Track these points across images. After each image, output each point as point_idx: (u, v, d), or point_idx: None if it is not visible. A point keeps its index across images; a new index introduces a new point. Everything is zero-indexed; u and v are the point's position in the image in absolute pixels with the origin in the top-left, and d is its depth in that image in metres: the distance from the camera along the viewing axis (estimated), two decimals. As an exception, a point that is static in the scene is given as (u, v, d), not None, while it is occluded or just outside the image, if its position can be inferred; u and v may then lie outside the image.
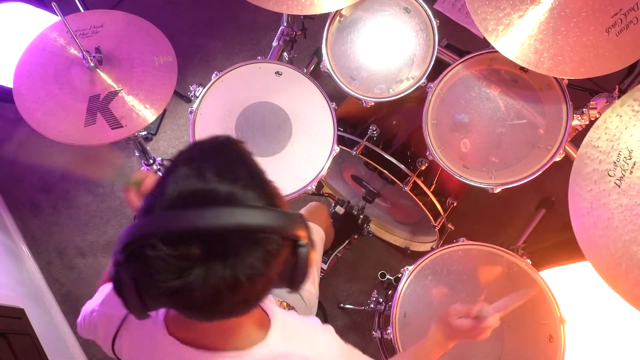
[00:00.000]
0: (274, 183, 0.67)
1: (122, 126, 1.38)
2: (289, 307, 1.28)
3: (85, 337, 0.96)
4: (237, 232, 0.58)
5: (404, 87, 1.50)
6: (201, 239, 0.57)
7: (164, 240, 0.57)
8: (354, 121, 1.69)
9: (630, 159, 1.10)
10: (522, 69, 1.43)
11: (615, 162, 1.11)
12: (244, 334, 0.75)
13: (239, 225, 0.58)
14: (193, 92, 1.49)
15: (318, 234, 1.52)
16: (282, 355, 0.78)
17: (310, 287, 1.38)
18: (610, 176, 1.11)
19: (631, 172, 1.09)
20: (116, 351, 0.85)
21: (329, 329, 0.89)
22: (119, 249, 0.60)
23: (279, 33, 1.77)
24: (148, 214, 0.60)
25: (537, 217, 2.09)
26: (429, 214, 1.60)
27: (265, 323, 0.79)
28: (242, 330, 0.75)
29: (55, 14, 1.28)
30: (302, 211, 1.57)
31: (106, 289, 0.90)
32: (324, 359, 0.82)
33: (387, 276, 1.88)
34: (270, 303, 0.86)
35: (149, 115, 1.40)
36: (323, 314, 1.96)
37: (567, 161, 1.42)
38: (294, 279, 0.68)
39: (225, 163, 0.63)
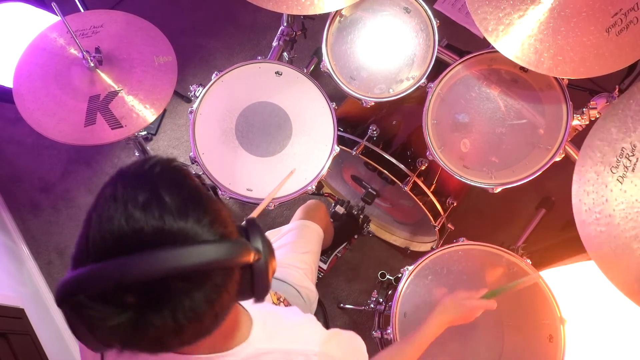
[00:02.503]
0: (214, 201, 0.62)
1: (122, 126, 1.38)
2: (286, 303, 1.28)
3: None
4: (171, 276, 0.54)
5: (404, 87, 1.50)
6: (131, 289, 0.54)
7: (92, 296, 0.54)
8: (354, 121, 1.69)
9: (633, 155, 1.10)
10: (522, 69, 1.43)
11: (618, 159, 1.11)
12: (225, 336, 0.75)
13: (171, 270, 0.53)
14: (193, 92, 1.49)
15: (316, 232, 1.52)
16: (266, 352, 0.78)
17: (309, 284, 1.38)
18: (613, 172, 1.11)
19: (633, 169, 1.09)
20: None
21: (310, 317, 0.91)
22: (56, 301, 0.57)
23: (279, 33, 1.77)
24: (76, 265, 0.56)
25: (537, 217, 2.09)
26: (429, 214, 1.59)
27: (247, 322, 0.79)
28: (223, 333, 0.74)
29: (55, 14, 1.28)
30: (300, 209, 1.57)
31: None
32: (307, 349, 0.82)
33: (387, 276, 1.88)
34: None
35: (149, 115, 1.40)
36: (323, 314, 1.96)
37: (568, 161, 1.43)
38: (255, 293, 0.65)
39: (151, 193, 0.56)
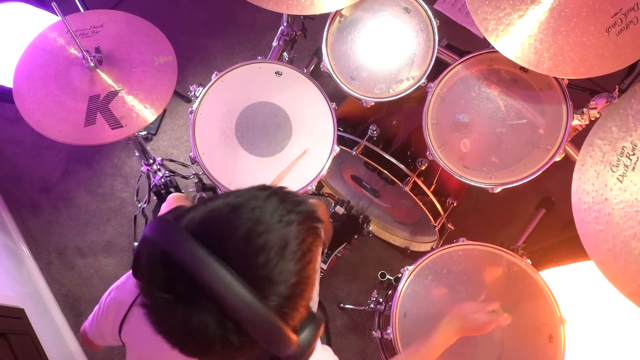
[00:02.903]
0: (313, 286, 0.61)
1: (122, 126, 1.38)
2: None
3: (92, 337, 0.97)
4: (215, 298, 0.54)
5: (404, 87, 1.50)
6: (187, 280, 0.55)
7: (163, 256, 0.56)
8: (354, 121, 1.69)
9: (634, 154, 1.10)
10: (522, 69, 1.43)
11: (618, 158, 1.11)
12: None
13: (219, 296, 0.54)
14: (193, 92, 1.49)
15: None
16: None
17: None
18: (613, 171, 1.11)
19: (634, 168, 1.09)
20: (123, 336, 0.87)
21: (327, 350, 0.89)
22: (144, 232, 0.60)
23: (279, 33, 1.77)
24: (177, 218, 0.59)
25: (537, 217, 2.10)
26: (429, 214, 1.59)
27: None
28: None
29: (55, 14, 1.28)
30: None
31: (126, 275, 0.92)
32: None
33: (387, 276, 1.88)
34: None
35: (149, 115, 1.40)
36: (322, 310, 1.96)
37: (567, 161, 1.43)
38: None
39: (283, 228, 0.57)
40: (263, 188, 0.62)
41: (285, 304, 0.58)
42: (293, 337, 0.60)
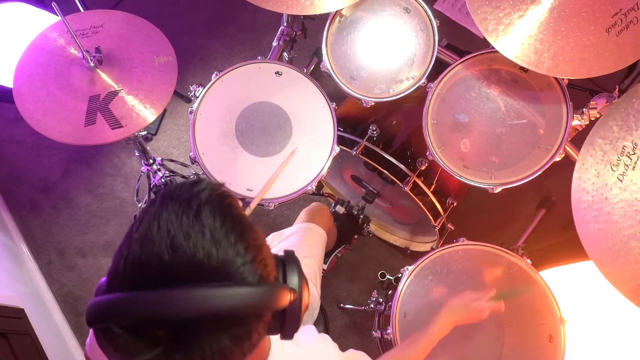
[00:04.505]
0: (256, 233, 0.60)
1: (122, 126, 1.38)
2: None
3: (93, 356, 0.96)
4: (203, 318, 0.53)
5: (404, 87, 1.50)
6: (164, 325, 0.53)
7: (123, 325, 0.53)
8: (354, 121, 1.69)
9: (634, 154, 1.10)
10: (522, 69, 1.43)
11: (619, 157, 1.11)
12: None
13: (208, 310, 0.52)
14: (193, 92, 1.49)
15: (320, 235, 1.52)
16: None
17: (312, 290, 1.38)
18: (613, 170, 1.11)
19: (634, 167, 1.09)
20: None
21: (325, 338, 0.90)
22: (87, 321, 0.56)
23: (279, 33, 1.77)
24: (111, 286, 0.56)
25: (537, 217, 2.09)
26: (429, 214, 1.59)
27: (265, 347, 0.77)
28: None
29: (55, 14, 1.28)
30: (304, 212, 1.57)
31: None
32: None
33: (387, 276, 1.88)
34: None
35: (149, 115, 1.40)
36: (323, 314, 1.96)
37: (568, 161, 1.43)
38: (284, 332, 0.64)
39: (196, 221, 0.54)
40: (154, 203, 0.58)
41: (252, 267, 0.56)
42: (280, 284, 0.61)
